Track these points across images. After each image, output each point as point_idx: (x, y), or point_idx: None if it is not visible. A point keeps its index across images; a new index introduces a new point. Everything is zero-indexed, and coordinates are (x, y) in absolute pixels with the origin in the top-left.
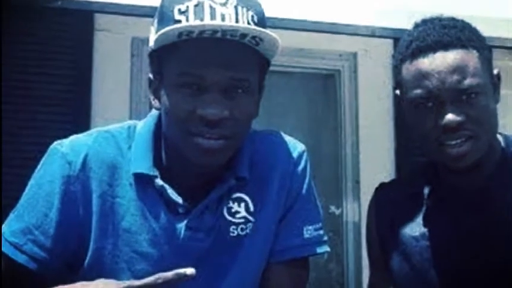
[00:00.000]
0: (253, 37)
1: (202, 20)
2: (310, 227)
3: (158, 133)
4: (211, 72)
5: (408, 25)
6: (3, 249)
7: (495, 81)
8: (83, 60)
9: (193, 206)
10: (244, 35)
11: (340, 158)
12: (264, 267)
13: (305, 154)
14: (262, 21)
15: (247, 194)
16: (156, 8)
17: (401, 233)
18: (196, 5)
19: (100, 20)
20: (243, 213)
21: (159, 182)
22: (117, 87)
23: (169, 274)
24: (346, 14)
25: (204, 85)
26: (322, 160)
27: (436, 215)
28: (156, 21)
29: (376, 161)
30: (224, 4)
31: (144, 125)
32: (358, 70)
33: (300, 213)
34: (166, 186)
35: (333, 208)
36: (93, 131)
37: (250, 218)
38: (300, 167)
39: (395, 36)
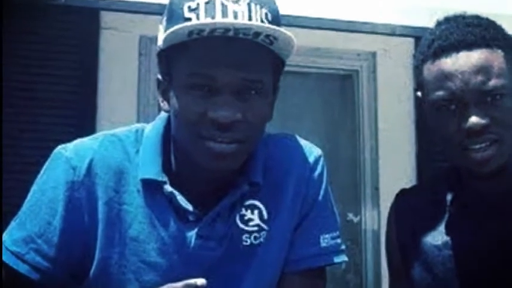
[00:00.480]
0: (267, 36)
1: (213, 17)
2: (327, 236)
3: (167, 137)
4: (222, 72)
5: (430, 23)
6: (4, 258)
7: None
8: (88, 60)
9: (204, 213)
10: (257, 34)
11: (358, 163)
12: (279, 277)
13: (321, 159)
14: (276, 19)
15: (260, 201)
16: (165, 5)
17: (422, 241)
18: (207, 2)
19: (106, 17)
20: (257, 221)
21: (168, 188)
22: (124, 89)
23: (179, 285)
24: (365, 11)
25: (216, 86)
26: (340, 165)
27: (459, 223)
28: (165, 19)
29: (396, 166)
30: (236, 1)
31: (153, 128)
32: (377, 70)
33: (316, 221)
34: (176, 192)
35: (351, 216)
36: (98, 134)
37: (264, 226)
38: (316, 173)
39: (417, 34)
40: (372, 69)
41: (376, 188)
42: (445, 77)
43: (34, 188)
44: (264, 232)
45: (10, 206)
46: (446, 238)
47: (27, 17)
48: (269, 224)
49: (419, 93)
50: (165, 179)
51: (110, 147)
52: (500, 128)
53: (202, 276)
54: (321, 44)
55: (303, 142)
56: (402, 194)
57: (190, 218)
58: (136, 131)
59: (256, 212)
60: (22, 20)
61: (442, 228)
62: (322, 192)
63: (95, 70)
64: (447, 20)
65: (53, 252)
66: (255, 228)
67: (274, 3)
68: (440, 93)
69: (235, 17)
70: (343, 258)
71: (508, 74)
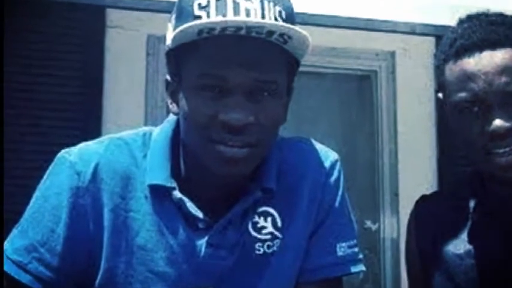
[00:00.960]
0: (281, 34)
1: (224, 15)
2: (343, 244)
3: (176, 140)
4: (234, 73)
5: (452, 21)
6: (5, 268)
7: None
8: (93, 60)
9: (215, 220)
10: (271, 32)
11: (376, 167)
12: (293, 287)
13: (338, 163)
14: (290, 17)
15: (274, 208)
16: (173, 2)
17: (444, 250)
18: None
19: (112, 15)
20: (270, 228)
21: (177, 194)
22: (131, 90)
23: None
24: (384, 9)
25: (227, 87)
26: (357, 170)
27: (483, 231)
28: (174, 17)
29: (416, 171)
30: None
31: (161, 132)
32: (396, 71)
33: (332, 229)
34: (185, 199)
35: (368, 223)
36: (104, 138)
37: (277, 234)
38: (333, 178)
39: (438, 33)
40: (391, 69)
41: (395, 194)
42: (468, 77)
43: (37, 194)
44: (277, 240)
45: (11, 213)
46: (468, 246)
47: (29, 15)
48: (283, 231)
49: (440, 95)
50: (174, 184)
51: (116, 151)
52: None
53: (213, 287)
54: (337, 43)
55: (318, 146)
56: (422, 201)
57: (200, 225)
58: (144, 134)
59: (269, 219)
60: (24, 18)
61: (464, 236)
62: (338, 198)
63: (100, 70)
64: (470, 18)
65: (56, 261)
66: (268, 237)
67: (289, 1)
68: (462, 94)
69: (248, 14)
70: (361, 267)
71: None
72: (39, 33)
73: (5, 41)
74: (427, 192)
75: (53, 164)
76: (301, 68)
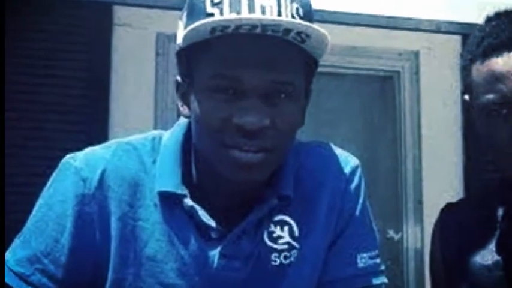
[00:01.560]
0: (299, 33)
1: (239, 13)
2: (364, 255)
3: (187, 145)
4: (249, 74)
5: (479, 19)
6: (6, 280)
7: None
8: (100, 61)
9: (229, 230)
10: (287, 31)
11: (399, 174)
12: None
13: (359, 169)
14: (308, 14)
15: (291, 216)
16: None
17: (470, 261)
18: None
19: (120, 13)
20: (287, 238)
21: (188, 202)
22: (140, 92)
23: None
24: (407, 6)
25: (241, 89)
26: (379, 176)
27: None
28: (185, 14)
29: (441, 177)
30: None
31: (171, 136)
32: (420, 71)
33: (353, 239)
34: (197, 207)
35: (391, 233)
36: (111, 142)
37: (294, 244)
38: (353, 185)
39: (464, 32)
40: (415, 70)
41: (419, 202)
42: (496, 78)
43: (40, 202)
44: (294, 251)
45: (14, 221)
46: (497, 257)
47: (31, 12)
48: (300, 241)
49: (466, 97)
50: (185, 192)
51: (124, 156)
52: None
53: None
54: (358, 42)
55: (338, 151)
56: (448, 209)
57: (213, 235)
58: (153, 138)
59: (286, 228)
60: (26, 16)
61: (492, 246)
62: (359, 206)
63: (107, 71)
64: (498, 15)
65: (60, 273)
66: (285, 247)
67: None
68: (490, 96)
69: (263, 12)
70: (383, 279)
71: None
72: (43, 32)
73: (7, 40)
74: (453, 200)
75: (57, 170)
76: (319, 69)
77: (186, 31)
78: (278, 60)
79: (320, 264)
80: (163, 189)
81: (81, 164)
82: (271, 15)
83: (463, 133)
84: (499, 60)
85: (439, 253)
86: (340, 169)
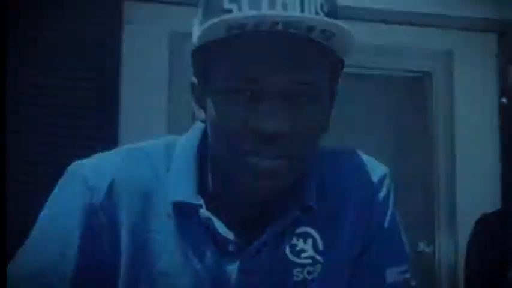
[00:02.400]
0: (323, 30)
1: (258, 9)
2: (394, 270)
3: (203, 151)
4: (269, 74)
5: None
6: None
7: None
8: (109, 60)
9: (247, 243)
10: (311, 28)
11: (431, 182)
12: None
13: (387, 178)
14: (333, 10)
15: (314, 228)
16: None
17: (509, 276)
18: None
19: (130, 9)
20: (310, 252)
21: (204, 212)
22: (152, 94)
23: None
24: (439, 2)
25: (260, 91)
26: (410, 185)
27: None
28: (200, 11)
29: (476, 186)
30: None
31: (186, 141)
32: (454, 72)
33: (381, 253)
34: (214, 218)
35: (422, 246)
36: (121, 148)
37: (318, 258)
38: (381, 195)
39: (502, 29)
40: (448, 70)
41: (452, 213)
42: None
43: (44, 212)
44: (318, 265)
45: (17, 233)
46: None
47: (38, 10)
48: (325, 255)
49: (504, 100)
50: (201, 201)
51: (135, 163)
52: None
53: None
54: (386, 41)
55: (365, 158)
56: (484, 220)
57: (231, 248)
58: (167, 144)
59: (309, 241)
60: (32, 13)
61: None
62: (388, 218)
63: (116, 72)
64: None
65: None
66: (308, 261)
67: None
68: None
69: (285, 8)
70: None
71: None
72: (48, 30)
73: (10, 39)
74: (489, 211)
75: (62, 178)
76: (345, 69)
77: (201, 29)
78: (300, 60)
79: (346, 280)
80: (177, 198)
81: (89, 171)
82: (293, 12)
83: (500, 139)
84: None
85: (474, 267)
86: (368, 178)
